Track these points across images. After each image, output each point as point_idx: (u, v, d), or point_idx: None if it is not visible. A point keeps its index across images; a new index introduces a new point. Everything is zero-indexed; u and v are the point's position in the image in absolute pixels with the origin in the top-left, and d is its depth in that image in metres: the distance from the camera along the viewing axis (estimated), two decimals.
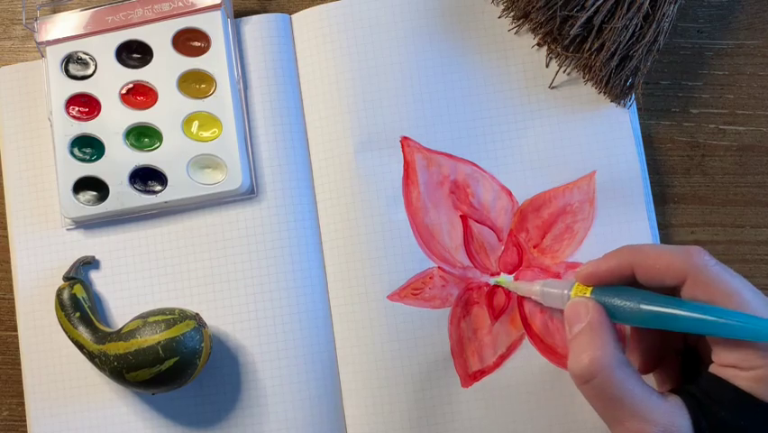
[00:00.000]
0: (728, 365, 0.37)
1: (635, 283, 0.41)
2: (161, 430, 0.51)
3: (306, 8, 0.54)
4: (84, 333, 0.49)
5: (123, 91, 0.52)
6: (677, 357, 0.44)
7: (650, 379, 0.46)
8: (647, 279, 0.40)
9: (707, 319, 0.37)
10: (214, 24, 0.52)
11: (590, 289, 0.42)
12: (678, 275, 0.39)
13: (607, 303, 0.41)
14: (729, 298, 0.37)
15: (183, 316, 0.48)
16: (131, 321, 0.49)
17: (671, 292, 0.40)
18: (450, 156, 0.52)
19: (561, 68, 0.51)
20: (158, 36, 0.52)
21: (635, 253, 0.41)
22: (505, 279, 0.50)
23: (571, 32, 0.48)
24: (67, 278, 0.51)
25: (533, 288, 0.47)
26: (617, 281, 0.41)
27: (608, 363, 0.38)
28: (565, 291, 0.44)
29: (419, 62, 0.52)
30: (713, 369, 0.38)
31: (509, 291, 0.50)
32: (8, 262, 0.54)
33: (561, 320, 0.50)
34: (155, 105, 0.52)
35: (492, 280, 0.50)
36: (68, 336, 0.50)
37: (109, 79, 0.52)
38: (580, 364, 0.38)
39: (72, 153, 0.52)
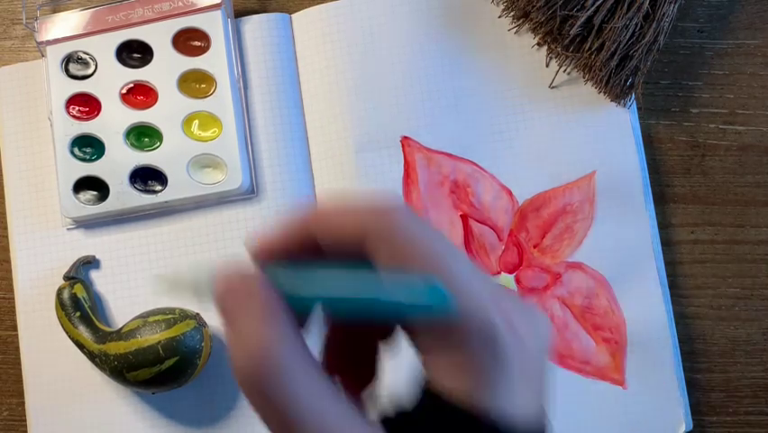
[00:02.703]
0: (428, 361, 0.28)
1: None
2: (161, 430, 0.51)
3: (306, 8, 0.54)
4: (84, 332, 0.49)
5: (124, 91, 0.52)
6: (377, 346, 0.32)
7: None
8: (327, 240, 0.29)
9: (362, 299, 0.27)
10: (214, 24, 0.52)
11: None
12: (359, 228, 0.28)
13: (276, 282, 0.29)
14: (417, 263, 0.27)
15: (183, 315, 0.48)
16: (131, 321, 0.49)
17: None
18: (450, 156, 0.52)
19: (561, 67, 0.51)
20: (158, 36, 0.52)
21: (314, 213, 0.29)
22: None
23: (571, 32, 0.48)
24: (67, 277, 0.51)
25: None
26: (298, 254, 0.30)
27: (273, 352, 0.26)
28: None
29: (419, 62, 0.52)
30: (422, 370, 0.29)
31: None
32: (8, 261, 0.54)
33: (562, 321, 0.50)
34: (155, 105, 0.52)
35: None
36: (69, 336, 0.50)
37: (109, 79, 0.52)
38: (248, 366, 0.26)
39: (72, 153, 0.52)
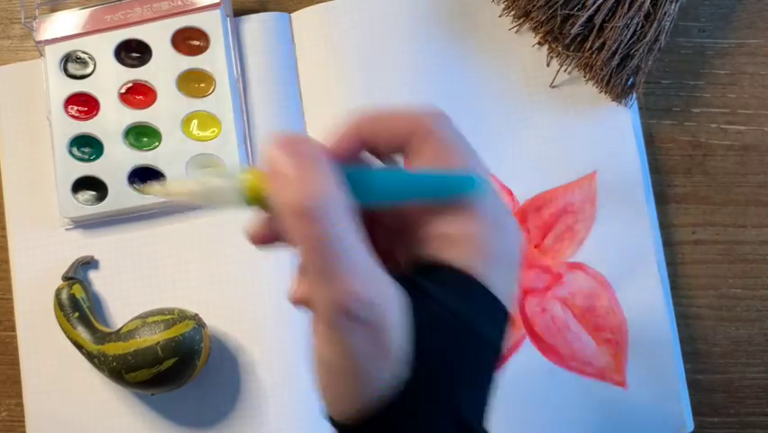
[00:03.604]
0: (438, 235, 0.31)
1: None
2: (161, 430, 0.51)
3: (305, 7, 0.53)
4: (83, 333, 0.49)
5: (122, 90, 0.52)
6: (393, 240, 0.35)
7: None
8: (375, 141, 0.33)
9: (403, 174, 0.31)
10: (213, 23, 0.52)
11: None
12: (408, 131, 0.32)
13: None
14: (449, 160, 0.31)
15: (182, 316, 0.48)
16: (130, 321, 0.49)
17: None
18: None
19: (562, 67, 0.51)
20: (157, 35, 0.52)
21: (365, 117, 0.33)
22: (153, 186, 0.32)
23: (572, 31, 0.48)
24: (66, 278, 0.51)
25: (188, 186, 0.31)
26: (350, 157, 0.33)
27: (325, 195, 0.29)
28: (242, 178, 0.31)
29: (419, 62, 0.52)
30: (424, 248, 0.32)
31: None
32: (7, 261, 0.53)
33: (563, 321, 0.50)
34: (154, 105, 0.52)
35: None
36: (67, 337, 0.50)
37: (108, 78, 0.52)
38: (295, 194, 0.28)
39: (71, 153, 0.52)
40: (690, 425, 0.49)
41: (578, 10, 0.47)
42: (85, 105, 0.53)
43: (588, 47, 0.48)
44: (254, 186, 0.31)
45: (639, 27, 0.47)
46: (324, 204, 0.28)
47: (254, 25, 0.53)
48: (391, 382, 0.28)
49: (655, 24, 0.47)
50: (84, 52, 0.53)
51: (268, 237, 0.34)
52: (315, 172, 0.29)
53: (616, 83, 0.49)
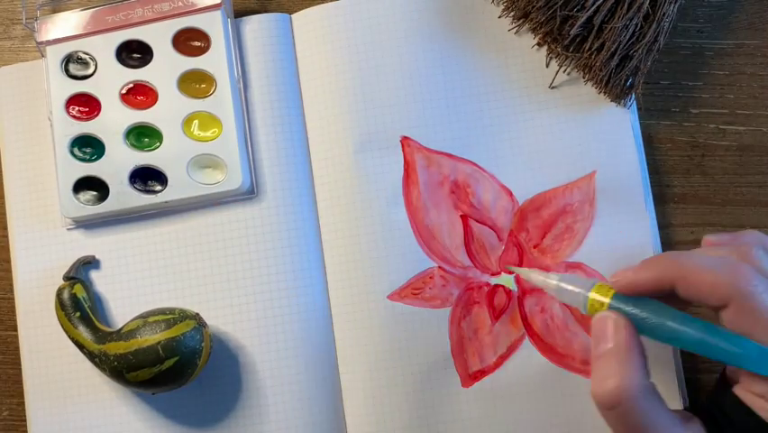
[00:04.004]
0: (755, 393, 0.35)
1: (673, 296, 0.38)
2: (161, 430, 0.51)
3: (306, 8, 0.54)
4: (84, 333, 0.49)
5: (123, 91, 0.52)
6: None
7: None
8: (688, 296, 0.37)
9: (733, 352, 0.35)
10: (214, 24, 0.52)
11: (612, 292, 0.39)
12: (721, 299, 0.35)
13: (629, 313, 0.38)
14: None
15: (183, 315, 0.48)
16: (131, 321, 0.49)
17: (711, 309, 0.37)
18: (450, 156, 0.52)
19: (561, 67, 0.51)
20: (158, 36, 0.52)
21: (678, 267, 0.37)
22: (520, 269, 0.47)
23: (571, 32, 0.48)
24: (67, 277, 0.51)
25: (548, 280, 0.43)
26: (654, 294, 0.38)
27: (633, 391, 0.35)
28: (584, 292, 0.41)
29: (419, 62, 0.52)
30: (739, 392, 0.36)
31: (510, 291, 0.50)
32: (8, 261, 0.54)
33: (562, 320, 0.50)
34: (155, 105, 0.52)
35: (503, 278, 0.50)
36: (69, 336, 0.50)
37: (109, 79, 0.52)
38: (604, 390, 0.36)
39: (72, 153, 0.52)
40: None
41: (577, 11, 0.48)
42: (86, 105, 0.53)
43: (587, 48, 0.49)
44: (595, 308, 0.40)
45: (638, 28, 0.47)
46: (624, 406, 0.35)
47: (255, 26, 0.53)
48: None
49: (654, 25, 0.47)
50: (85, 53, 0.53)
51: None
52: (622, 369, 0.36)
53: (615, 84, 0.49)
